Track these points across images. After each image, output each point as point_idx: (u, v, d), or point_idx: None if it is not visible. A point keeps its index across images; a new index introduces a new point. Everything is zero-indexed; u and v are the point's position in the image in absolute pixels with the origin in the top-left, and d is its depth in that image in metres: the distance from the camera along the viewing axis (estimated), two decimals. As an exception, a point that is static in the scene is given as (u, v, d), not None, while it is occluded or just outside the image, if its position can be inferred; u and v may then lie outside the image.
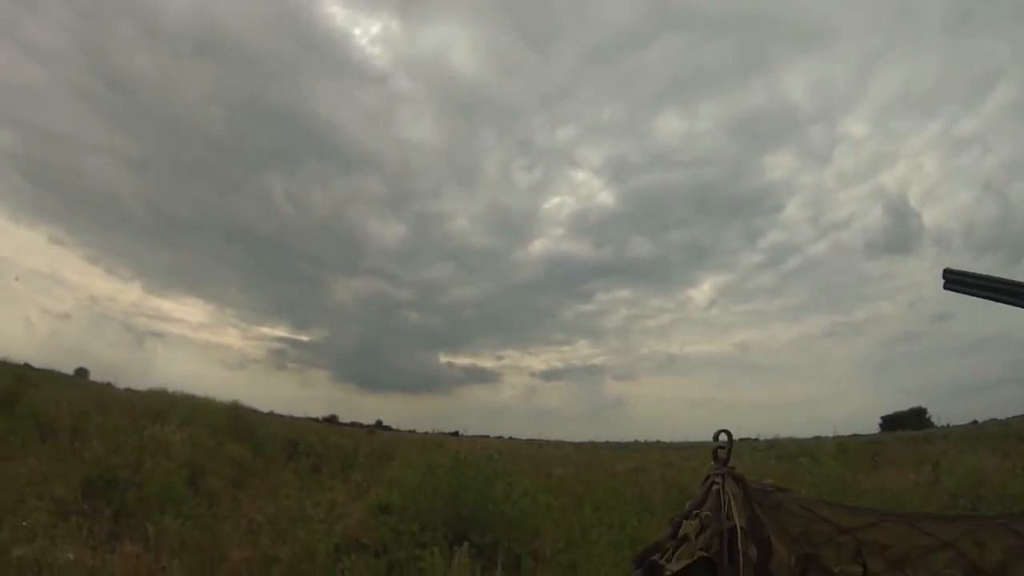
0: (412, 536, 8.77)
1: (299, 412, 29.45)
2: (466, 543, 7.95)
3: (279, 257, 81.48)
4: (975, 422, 30.25)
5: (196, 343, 69.04)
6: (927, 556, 2.23)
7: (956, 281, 3.12)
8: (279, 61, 77.19)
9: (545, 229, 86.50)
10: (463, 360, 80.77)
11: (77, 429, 14.01)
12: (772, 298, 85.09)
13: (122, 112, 71.30)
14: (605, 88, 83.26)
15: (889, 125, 75.85)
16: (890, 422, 39.08)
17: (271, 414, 27.28)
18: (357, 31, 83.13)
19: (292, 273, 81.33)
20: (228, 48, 76.50)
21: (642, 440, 38.59)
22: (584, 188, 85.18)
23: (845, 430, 30.62)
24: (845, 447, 23.60)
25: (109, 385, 28.91)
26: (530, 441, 37.10)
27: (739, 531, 2.25)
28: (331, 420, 40.11)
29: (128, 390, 26.60)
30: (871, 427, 38.01)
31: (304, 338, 77.16)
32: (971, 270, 3.01)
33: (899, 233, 69.48)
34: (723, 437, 2.47)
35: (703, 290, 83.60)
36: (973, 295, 3.05)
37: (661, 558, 2.24)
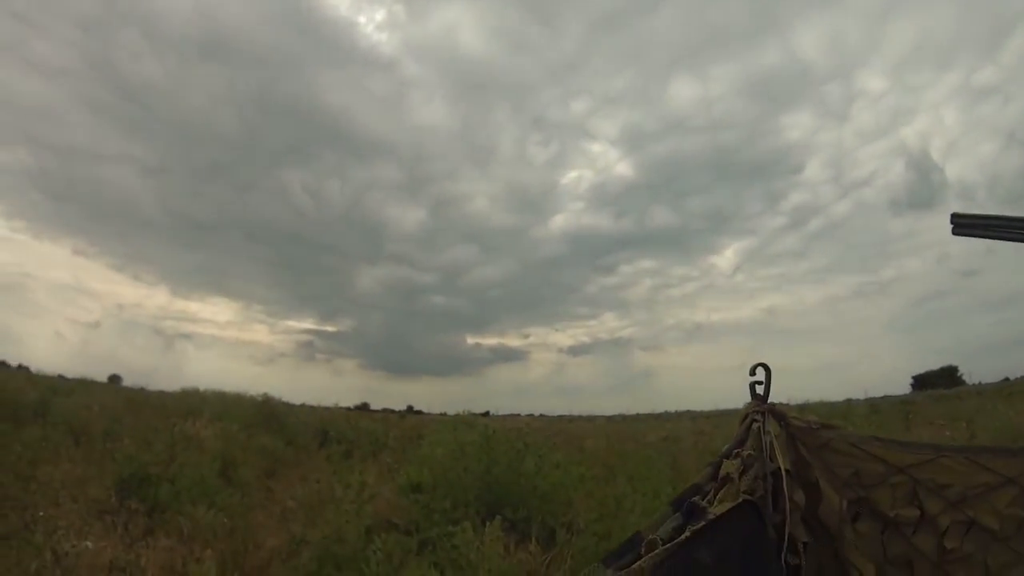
0: (444, 513, 8.75)
1: (330, 402, 29.47)
2: (498, 517, 7.88)
3: (301, 250, 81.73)
4: (1007, 379, 29.53)
5: (225, 341, 69.70)
6: (989, 494, 2.07)
7: (964, 225, 3.01)
8: (286, 56, 76.87)
9: (564, 204, 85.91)
10: (490, 340, 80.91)
11: (109, 431, 14.13)
12: (797, 261, 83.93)
13: (135, 120, 71.84)
14: (616, 57, 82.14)
15: (906, 78, 73.97)
16: (921, 382, 38.53)
17: (303, 406, 27.34)
18: (362, 19, 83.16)
19: (315, 265, 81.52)
20: (234, 48, 76.72)
21: (672, 410, 38.18)
22: (601, 160, 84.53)
23: (876, 392, 29.93)
24: (877, 408, 23.31)
25: (141, 389, 29.25)
26: (560, 417, 37.10)
27: (784, 474, 2.09)
28: (362, 408, 40.43)
29: (160, 392, 26.91)
30: (902, 387, 37.47)
31: (331, 329, 77.44)
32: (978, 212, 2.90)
33: (922, 188, 68.02)
34: (760, 371, 2.30)
35: (727, 256, 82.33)
36: (983, 237, 2.93)
37: (703, 500, 2.05)
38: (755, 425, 2.23)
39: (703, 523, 1.80)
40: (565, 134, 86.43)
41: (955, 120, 70.69)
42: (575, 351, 77.42)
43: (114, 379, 36.00)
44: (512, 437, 10.71)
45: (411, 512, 9.16)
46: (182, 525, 8.34)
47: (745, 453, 2.16)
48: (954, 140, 71.72)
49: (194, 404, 20.04)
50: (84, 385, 26.63)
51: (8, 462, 10.38)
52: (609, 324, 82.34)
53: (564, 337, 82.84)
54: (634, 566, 1.54)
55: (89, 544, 6.97)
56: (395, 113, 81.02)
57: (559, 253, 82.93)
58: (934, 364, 40.22)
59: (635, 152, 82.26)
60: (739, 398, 2.37)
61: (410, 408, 42.43)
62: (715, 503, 2.03)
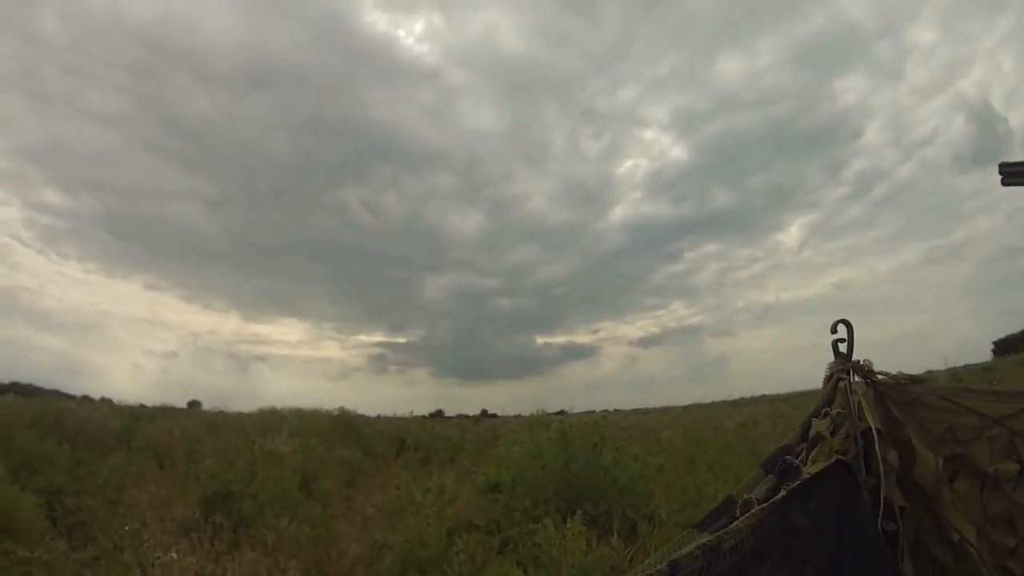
0: (524, 511, 8.69)
1: (405, 412, 29.72)
2: (579, 513, 7.77)
3: (365, 265, 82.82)
4: (1094, 336, 28.23)
5: (299, 360, 70.97)
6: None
7: (1014, 173, 2.84)
8: (331, 77, 78.28)
9: (622, 194, 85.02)
10: (559, 339, 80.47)
11: (191, 453, 14.45)
12: (864, 230, 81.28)
13: (192, 156, 74.05)
14: (658, 41, 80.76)
15: (958, 27, 70.87)
16: (1003, 346, 36.52)
17: (378, 417, 27.63)
18: (401, 32, 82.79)
19: (380, 279, 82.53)
20: (280, 75, 78.28)
21: (748, 396, 37.50)
22: (655, 146, 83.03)
23: (957, 361, 28.73)
24: (960, 378, 22.41)
25: (220, 412, 29.94)
26: (635, 411, 36.62)
27: (875, 434, 1.97)
28: (437, 415, 40.73)
29: (238, 414, 27.52)
30: (983, 354, 35.76)
31: (401, 340, 78.43)
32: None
33: (987, 142, 64.54)
34: (842, 328, 2.17)
35: (792, 232, 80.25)
36: None
37: (796, 460, 1.91)
38: (841, 383, 2.11)
39: (798, 482, 1.67)
40: (616, 124, 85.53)
41: (1013, 66, 67.01)
42: (646, 343, 76.66)
43: (194, 404, 36.88)
44: (589, 431, 10.58)
45: (491, 512, 9.12)
46: (266, 537, 8.46)
47: (835, 412, 2.04)
48: (1014, 87, 67.99)
49: (272, 422, 20.39)
50: (165, 412, 27.35)
51: (95, 487, 10.73)
52: (678, 312, 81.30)
53: (634, 329, 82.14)
54: (732, 526, 1.43)
55: (175, 555, 7.09)
56: (445, 121, 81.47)
57: (621, 245, 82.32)
58: (1015, 327, 38.14)
59: (688, 135, 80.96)
60: (816, 378, 2.25)
61: (484, 412, 42.59)
62: (808, 463, 1.90)
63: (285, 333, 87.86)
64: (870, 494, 1.93)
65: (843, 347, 2.17)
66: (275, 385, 65.53)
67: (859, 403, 2.06)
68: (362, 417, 24.54)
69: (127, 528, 8.20)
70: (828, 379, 2.16)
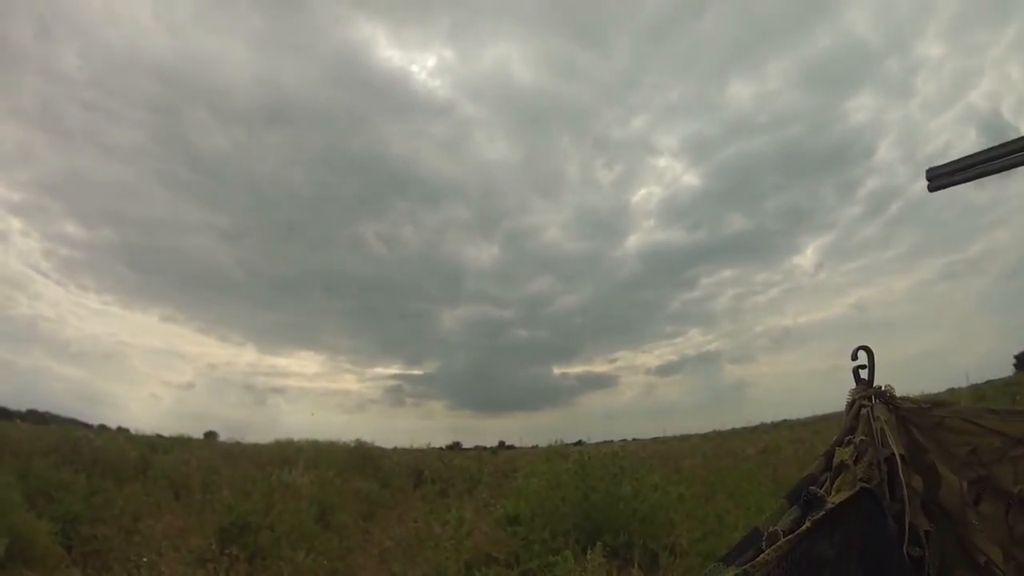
0: (543, 544, 8.58)
1: (422, 444, 29.62)
2: (599, 544, 7.67)
3: (381, 298, 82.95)
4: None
5: (314, 392, 70.90)
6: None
7: (938, 177, 2.83)
8: (347, 112, 78.89)
9: (637, 223, 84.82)
10: (576, 369, 79.93)
11: (207, 484, 14.43)
12: (880, 249, 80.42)
13: (209, 191, 74.64)
14: (668, 68, 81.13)
15: (965, 39, 70.90)
16: (1024, 360, 36.26)
17: (395, 449, 27.57)
18: (414, 68, 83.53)
19: (397, 311, 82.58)
20: (296, 110, 78.86)
21: (768, 421, 37.20)
22: (668, 173, 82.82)
23: (978, 377, 28.30)
24: (982, 394, 22.13)
25: (237, 443, 29.97)
26: (654, 439, 36.38)
27: (898, 459, 1.96)
28: (454, 447, 40.54)
29: (255, 444, 27.53)
30: (1006, 369, 35.26)
31: (417, 372, 78.09)
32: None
33: (999, 152, 64.75)
34: (862, 354, 2.19)
35: (807, 255, 79.65)
36: (962, 182, 2.75)
37: (820, 489, 1.92)
38: (863, 410, 2.13)
39: (823, 512, 1.65)
40: (628, 153, 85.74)
41: (1022, 75, 67.21)
42: (664, 371, 76.15)
43: (210, 435, 36.86)
44: (608, 462, 10.47)
45: (510, 545, 9.01)
46: (282, 570, 8.40)
47: (858, 439, 2.06)
48: (1024, 95, 68.18)
49: (289, 454, 20.40)
50: (181, 442, 27.39)
51: (111, 517, 10.72)
52: (695, 340, 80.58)
53: (651, 358, 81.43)
54: (758, 559, 1.40)
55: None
56: (459, 154, 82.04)
57: (637, 273, 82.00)
58: (1036, 340, 37.63)
59: (701, 161, 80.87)
60: (836, 402, 2.25)
61: (502, 443, 42.38)
62: (832, 492, 1.90)
63: (302, 365, 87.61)
64: (895, 520, 1.93)
65: (864, 373, 2.20)
66: (292, 417, 66.15)
67: (882, 429, 2.06)
68: (379, 449, 24.52)
69: (144, 558, 8.16)
70: (850, 406, 2.19)
